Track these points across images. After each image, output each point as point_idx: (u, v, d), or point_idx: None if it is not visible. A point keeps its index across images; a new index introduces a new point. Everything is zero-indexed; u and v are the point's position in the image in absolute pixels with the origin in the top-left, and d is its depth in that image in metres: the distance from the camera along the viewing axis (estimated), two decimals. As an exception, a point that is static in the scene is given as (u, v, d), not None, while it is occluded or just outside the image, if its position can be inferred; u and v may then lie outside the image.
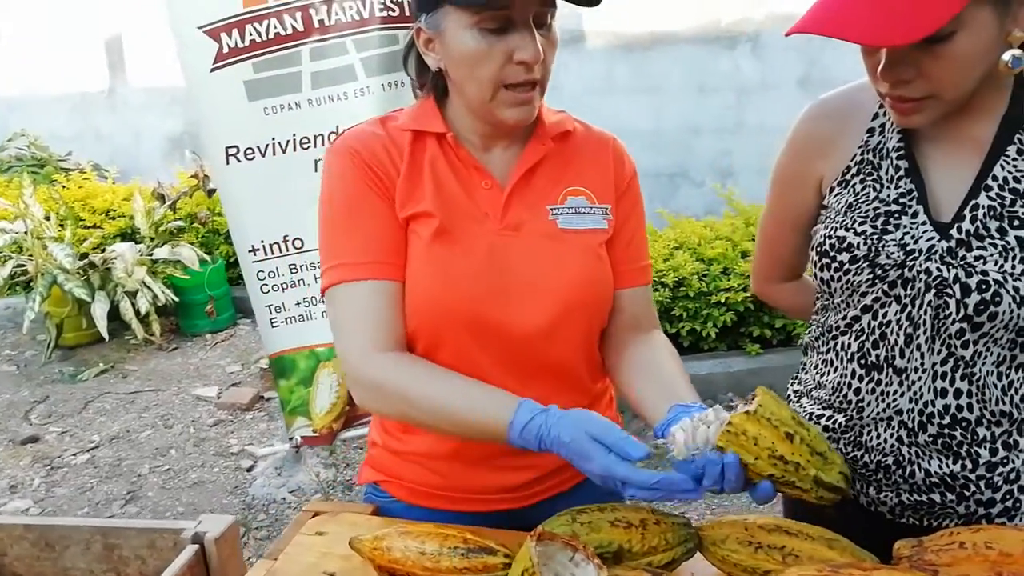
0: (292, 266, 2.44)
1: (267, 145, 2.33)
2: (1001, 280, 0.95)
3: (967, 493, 1.04)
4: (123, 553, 1.17)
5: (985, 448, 1.02)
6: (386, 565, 0.94)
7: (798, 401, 1.21)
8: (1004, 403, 1.01)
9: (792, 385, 1.25)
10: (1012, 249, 0.95)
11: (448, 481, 1.16)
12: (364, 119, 1.17)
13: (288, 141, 2.33)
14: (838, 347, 1.10)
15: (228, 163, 2.34)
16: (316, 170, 2.34)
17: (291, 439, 2.70)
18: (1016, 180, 0.97)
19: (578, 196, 1.12)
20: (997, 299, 0.95)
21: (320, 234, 1.10)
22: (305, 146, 2.35)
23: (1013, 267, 0.94)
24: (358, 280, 1.05)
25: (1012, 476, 1.03)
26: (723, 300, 3.49)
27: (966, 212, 0.98)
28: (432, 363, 1.06)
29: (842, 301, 1.08)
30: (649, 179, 5.01)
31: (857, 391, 1.07)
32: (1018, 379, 1.01)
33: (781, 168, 1.17)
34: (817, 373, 1.16)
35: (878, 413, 1.06)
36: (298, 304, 2.48)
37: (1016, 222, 0.96)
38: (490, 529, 1.03)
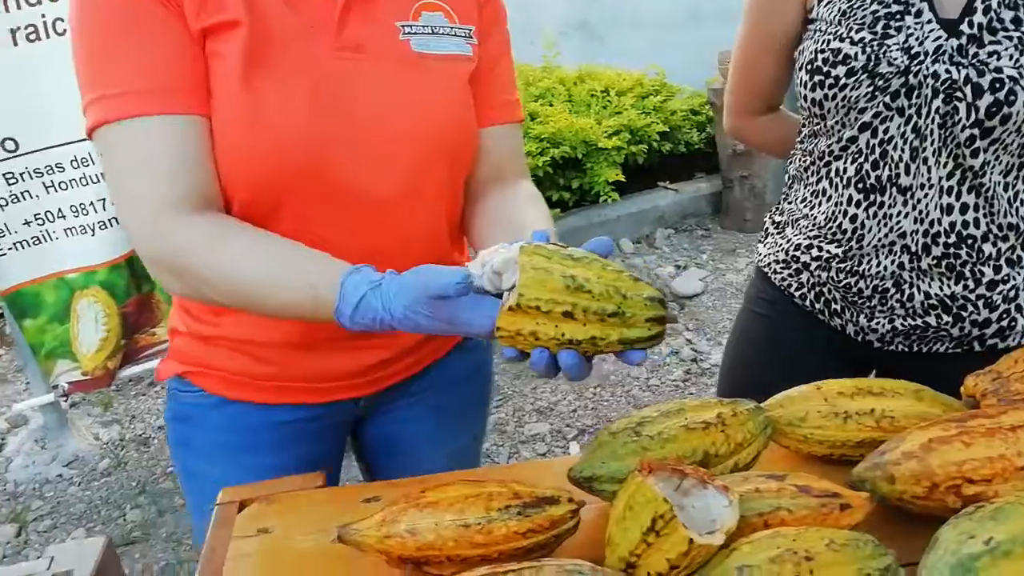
0: (8, 176, 1.90)
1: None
2: (1016, 76, 0.87)
3: (964, 314, 1.00)
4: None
5: (989, 266, 0.98)
6: (413, 555, 0.66)
7: (780, 232, 1.13)
8: (1011, 215, 0.96)
9: (772, 216, 1.16)
10: None
11: (278, 369, 0.94)
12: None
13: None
14: (831, 174, 1.01)
15: None
16: (16, 42, 1.81)
17: (55, 387, 2.15)
18: None
19: (435, 11, 0.89)
20: (1012, 98, 0.88)
21: (77, 62, 0.80)
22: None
23: None
24: (141, 115, 0.77)
25: (1011, 294, 1.00)
26: (522, 166, 3.34)
27: (977, 4, 0.89)
28: (246, 226, 0.81)
29: (837, 122, 0.97)
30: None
31: (854, 218, 0.99)
32: None
33: None
34: (805, 205, 1.07)
35: (879, 240, 0.98)
36: (27, 224, 1.97)
37: None
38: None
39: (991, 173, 0.93)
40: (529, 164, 3.33)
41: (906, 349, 1.06)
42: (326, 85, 0.82)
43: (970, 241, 0.96)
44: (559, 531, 0.67)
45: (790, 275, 1.11)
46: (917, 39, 0.91)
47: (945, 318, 1.00)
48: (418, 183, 0.88)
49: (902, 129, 0.93)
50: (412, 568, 0.68)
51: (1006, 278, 0.99)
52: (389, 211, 0.87)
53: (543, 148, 3.40)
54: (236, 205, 0.84)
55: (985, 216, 0.95)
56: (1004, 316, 1.01)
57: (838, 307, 1.07)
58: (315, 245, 0.80)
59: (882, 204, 0.97)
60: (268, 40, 0.80)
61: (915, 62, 0.91)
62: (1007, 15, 0.88)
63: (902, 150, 0.94)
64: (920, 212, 0.95)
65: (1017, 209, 0.97)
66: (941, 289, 0.99)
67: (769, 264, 1.14)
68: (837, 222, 1.01)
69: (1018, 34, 0.88)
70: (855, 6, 0.94)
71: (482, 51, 0.93)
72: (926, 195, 0.95)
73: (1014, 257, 0.99)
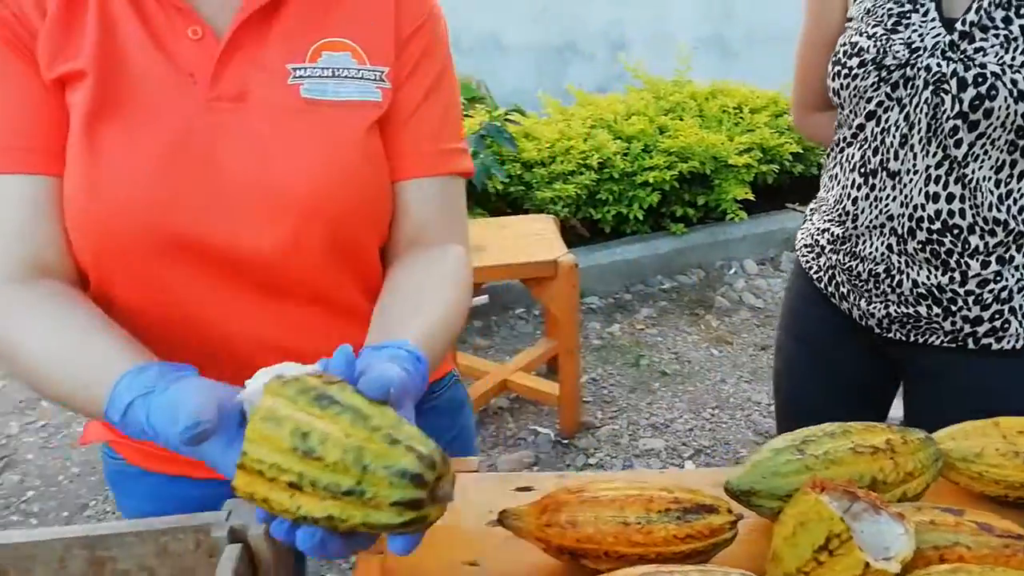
0: None
1: None
2: (999, 72, 0.92)
3: (953, 308, 1.03)
4: (120, 567, 0.84)
5: (977, 260, 1.01)
6: (571, 545, 0.68)
7: (810, 219, 1.21)
8: (1000, 210, 0.98)
9: (810, 205, 1.25)
10: (1015, 39, 0.92)
11: None
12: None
13: None
14: (843, 159, 1.09)
15: None
16: None
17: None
18: None
19: (340, 52, 0.76)
20: (993, 93, 0.92)
21: None
22: None
23: (1013, 58, 0.92)
24: None
25: (1004, 295, 1.02)
26: (649, 180, 3.33)
27: (974, 2, 0.95)
28: (61, 303, 0.70)
29: (849, 111, 1.05)
30: (534, 53, 4.73)
31: (855, 200, 1.07)
32: (1018, 189, 0.98)
33: None
34: (825, 190, 1.16)
35: (871, 221, 1.05)
36: None
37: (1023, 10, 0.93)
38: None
39: (978, 167, 0.97)
40: (655, 178, 3.31)
41: (903, 338, 1.09)
42: (190, 139, 0.72)
43: (956, 231, 0.99)
44: (717, 540, 0.67)
45: (812, 258, 1.18)
46: (920, 35, 0.97)
47: (935, 309, 1.04)
48: (300, 246, 0.75)
49: (896, 118, 1.00)
50: (569, 559, 0.69)
51: (997, 276, 1.01)
52: (273, 276, 0.77)
53: (671, 162, 3.37)
54: (91, 274, 0.75)
55: (971, 208, 0.98)
56: (996, 316, 1.03)
57: (844, 290, 1.13)
58: (197, 316, 0.75)
59: (874, 187, 1.04)
60: (124, 91, 0.71)
61: (914, 55, 0.97)
62: (998, 14, 0.94)
63: (894, 136, 1.00)
64: (906, 197, 1.01)
65: (1008, 207, 0.98)
66: (928, 278, 1.03)
67: (800, 249, 1.22)
68: (842, 204, 1.09)
69: (1005, 31, 0.93)
70: (877, 4, 1.02)
71: (401, 95, 0.79)
72: (911, 180, 1.00)
73: (1006, 256, 1.01)
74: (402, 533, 0.52)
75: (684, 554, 0.66)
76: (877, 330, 1.11)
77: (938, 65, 0.95)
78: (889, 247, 1.04)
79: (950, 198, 0.98)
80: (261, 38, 0.74)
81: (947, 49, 0.96)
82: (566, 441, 2.46)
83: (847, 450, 0.71)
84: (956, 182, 0.98)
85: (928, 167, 0.99)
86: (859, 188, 1.06)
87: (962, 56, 0.95)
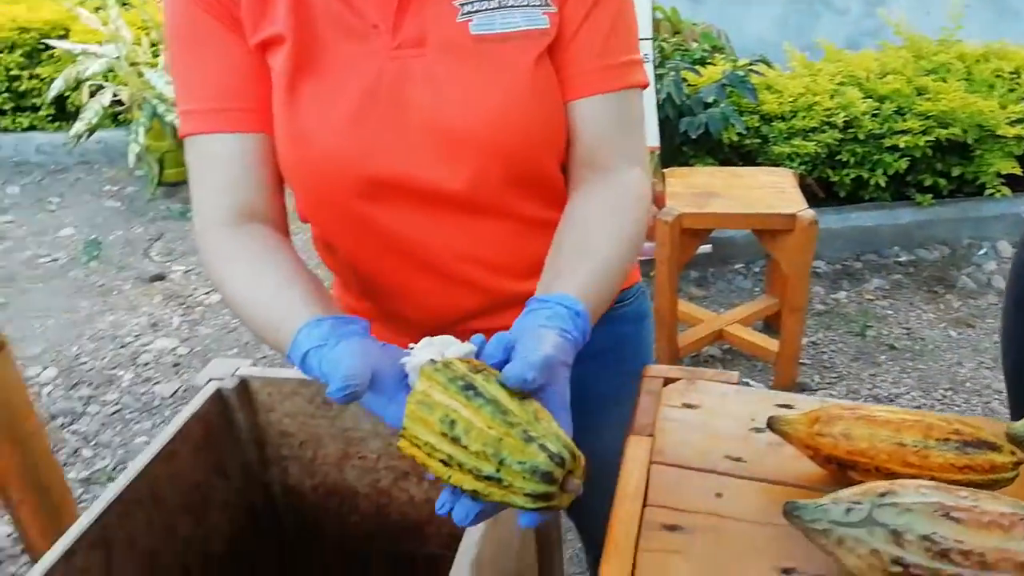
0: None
1: None
2: None
3: None
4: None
5: None
6: (842, 456, 0.71)
7: None
8: None
9: None
10: None
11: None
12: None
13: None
14: None
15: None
16: None
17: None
18: None
19: None
20: None
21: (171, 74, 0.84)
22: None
23: None
24: (203, 133, 0.79)
25: None
26: (900, 144, 3.10)
27: None
28: (260, 248, 0.78)
29: None
30: (780, 5, 4.49)
31: None
32: None
33: None
34: None
35: None
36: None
37: None
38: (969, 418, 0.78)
39: None
40: (907, 143, 3.09)
41: None
42: (379, 87, 0.77)
43: None
44: (997, 477, 0.68)
45: None
46: None
47: None
48: (484, 178, 0.80)
49: None
50: (836, 469, 0.73)
51: None
52: (463, 202, 0.82)
53: (927, 127, 3.11)
54: (310, 218, 0.87)
55: None
56: None
57: None
58: (401, 242, 0.83)
59: None
60: (318, 50, 0.77)
61: None
62: None
63: None
64: None
65: None
66: None
67: None
68: None
69: None
70: None
71: (565, 13, 0.79)
72: None
73: None
74: (534, 502, 0.55)
75: (960, 484, 0.68)
76: None
77: None
78: None
79: None
80: None
81: None
82: (777, 399, 2.43)
83: None
84: None
85: None
86: None
87: None
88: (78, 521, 0.77)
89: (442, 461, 0.55)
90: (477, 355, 0.61)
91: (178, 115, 0.82)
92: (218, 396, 0.95)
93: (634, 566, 0.66)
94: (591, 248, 0.75)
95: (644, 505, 0.73)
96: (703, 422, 0.84)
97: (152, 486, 0.85)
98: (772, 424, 0.76)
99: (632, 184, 0.81)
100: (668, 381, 0.90)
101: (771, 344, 2.43)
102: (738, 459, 0.78)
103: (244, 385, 0.96)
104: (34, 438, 1.32)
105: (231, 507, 0.99)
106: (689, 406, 0.86)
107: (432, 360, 0.59)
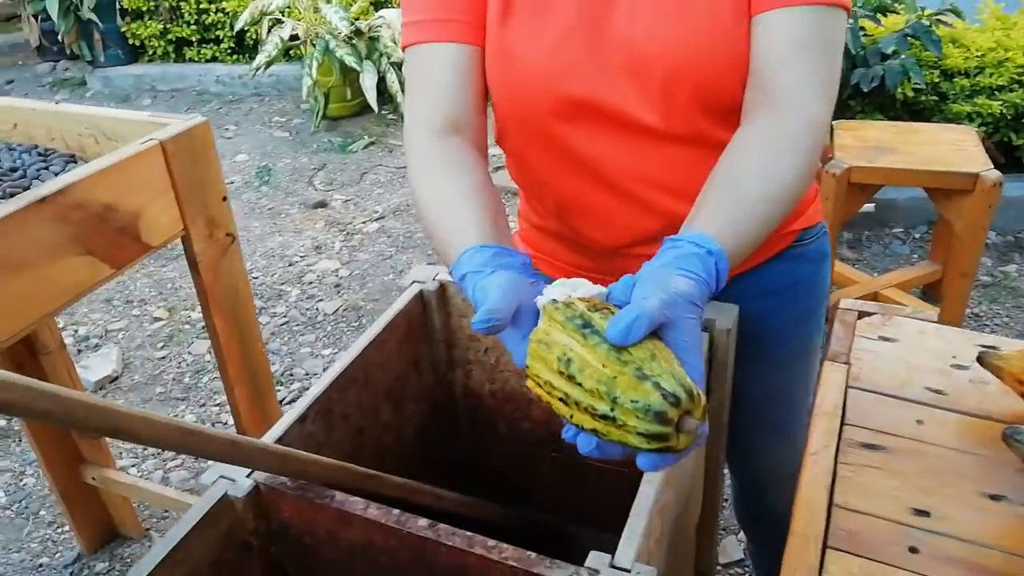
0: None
1: None
2: None
3: None
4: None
5: None
6: (1059, 395, 0.70)
7: None
8: None
9: None
10: None
11: (596, 264, 0.98)
12: None
13: None
14: None
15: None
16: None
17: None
18: None
19: None
20: None
21: None
22: None
23: None
24: (426, 42, 0.85)
25: None
26: (1106, 108, 2.82)
27: None
28: (454, 163, 0.81)
29: None
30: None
31: None
32: None
33: None
34: None
35: None
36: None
37: None
38: None
39: None
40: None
41: None
42: (581, 16, 0.81)
43: None
44: None
45: None
46: None
47: None
48: (672, 103, 0.81)
49: None
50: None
51: None
52: (652, 137, 0.84)
53: None
54: (509, 136, 0.90)
55: None
56: None
57: None
58: (591, 164, 0.86)
59: None
60: None
61: None
62: None
63: None
64: None
65: None
66: None
67: None
68: None
69: None
70: None
71: None
72: None
73: None
74: (647, 441, 0.52)
75: None
76: None
77: None
78: None
79: None
80: None
81: None
82: (935, 369, 2.32)
83: None
84: None
85: None
86: None
87: None
88: (309, 391, 0.87)
89: (561, 399, 0.55)
90: (607, 297, 0.60)
91: (402, 27, 0.88)
92: (420, 297, 1.03)
93: (834, 476, 0.68)
94: (742, 184, 0.71)
95: (842, 424, 0.74)
96: (901, 355, 0.84)
97: (365, 369, 0.94)
98: (983, 358, 0.75)
99: (808, 114, 0.74)
100: (862, 315, 0.91)
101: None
102: (939, 391, 0.78)
103: (443, 289, 1.04)
104: (251, 327, 1.46)
105: (422, 401, 1.08)
106: (886, 339, 0.86)
107: (554, 300, 0.59)
